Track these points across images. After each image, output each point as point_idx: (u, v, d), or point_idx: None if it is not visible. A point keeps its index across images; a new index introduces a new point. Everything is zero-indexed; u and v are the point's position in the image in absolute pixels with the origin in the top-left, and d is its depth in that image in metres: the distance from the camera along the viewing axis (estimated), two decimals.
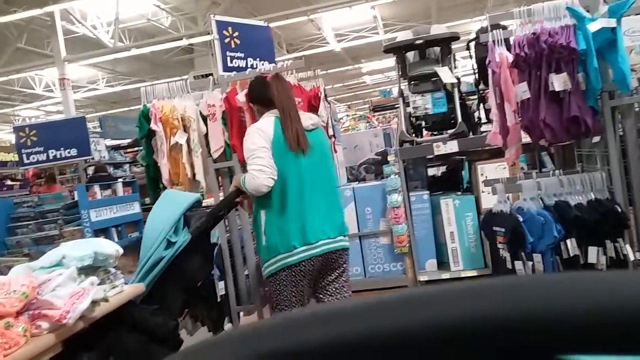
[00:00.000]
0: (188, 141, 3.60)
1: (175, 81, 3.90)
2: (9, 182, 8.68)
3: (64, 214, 6.78)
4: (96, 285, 1.92)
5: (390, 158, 4.56)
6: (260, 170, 2.51)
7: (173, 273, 2.46)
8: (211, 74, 4.07)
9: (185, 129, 3.63)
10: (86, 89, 17.52)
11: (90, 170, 8.32)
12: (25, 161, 7.37)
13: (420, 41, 4.31)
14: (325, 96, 3.83)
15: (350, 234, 4.45)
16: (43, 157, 7.37)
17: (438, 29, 4.42)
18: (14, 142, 7.93)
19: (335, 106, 7.73)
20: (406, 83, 4.46)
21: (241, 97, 3.52)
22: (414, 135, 4.28)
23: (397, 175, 4.19)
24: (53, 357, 1.71)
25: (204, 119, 3.71)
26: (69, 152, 7.41)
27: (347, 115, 12.00)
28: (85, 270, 1.98)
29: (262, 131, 2.62)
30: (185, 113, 3.63)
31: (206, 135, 3.71)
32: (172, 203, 2.61)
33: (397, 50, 4.50)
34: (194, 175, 3.61)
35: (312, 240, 2.59)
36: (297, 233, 2.57)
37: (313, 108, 3.73)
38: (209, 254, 2.94)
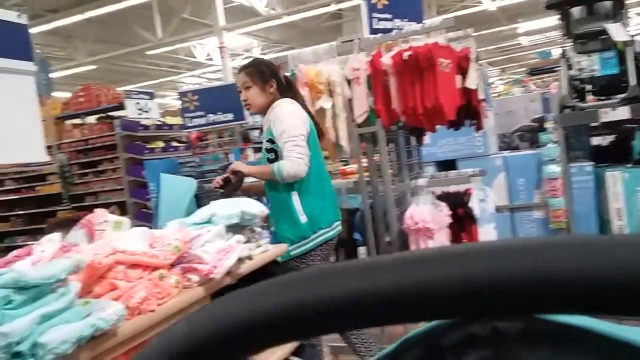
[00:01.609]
0: (332, 106, 3.60)
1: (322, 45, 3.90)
2: (174, 144, 9.46)
3: (221, 174, 7.26)
4: (242, 243, 2.00)
5: (548, 125, 4.20)
6: (301, 158, 2.59)
7: None
8: (358, 38, 4.00)
9: (330, 94, 3.63)
10: (242, 57, 18.50)
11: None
12: (188, 124, 7.97)
13: None
14: (477, 57, 3.59)
15: (500, 206, 4.20)
16: (203, 121, 7.90)
17: None
18: (179, 107, 8.63)
19: (487, 70, 7.26)
20: (570, 42, 4.04)
21: (387, 59, 3.42)
22: (577, 100, 3.87)
23: (555, 144, 3.84)
24: None
25: (349, 83, 3.68)
26: (225, 117, 7.86)
27: (501, 80, 11.28)
28: (233, 229, 2.07)
29: (302, 118, 2.70)
30: (331, 77, 3.62)
31: (350, 99, 3.67)
32: (179, 188, 2.68)
33: (561, 5, 4.07)
34: (337, 140, 3.61)
35: (340, 216, 2.87)
36: (333, 209, 2.81)
37: (462, 70, 3.52)
38: None
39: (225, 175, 2.72)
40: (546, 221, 4.03)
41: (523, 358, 0.32)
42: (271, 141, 2.69)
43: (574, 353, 0.31)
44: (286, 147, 2.58)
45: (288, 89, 2.84)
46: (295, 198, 2.67)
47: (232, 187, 2.69)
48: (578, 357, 0.31)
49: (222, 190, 2.68)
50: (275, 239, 2.69)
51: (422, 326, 0.36)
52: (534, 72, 9.78)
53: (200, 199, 2.73)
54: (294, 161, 2.56)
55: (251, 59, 3.01)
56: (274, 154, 2.69)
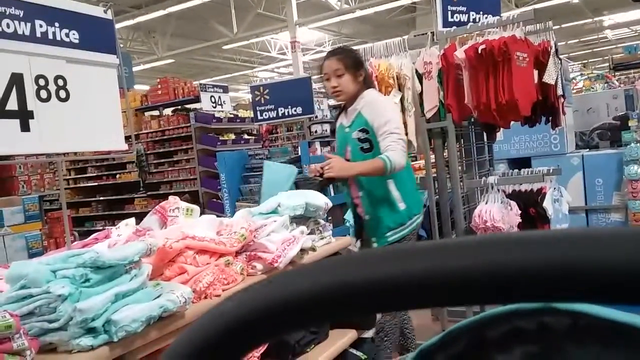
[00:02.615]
0: (402, 100, 3.56)
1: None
2: (246, 136, 9.68)
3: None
4: (306, 235, 2.02)
5: (632, 123, 3.98)
6: (405, 151, 2.62)
7: None
8: (432, 32, 3.93)
9: (400, 88, 3.59)
10: (314, 52, 18.64)
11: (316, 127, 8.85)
12: (259, 117, 8.10)
13: None
14: (557, 51, 3.44)
15: (574, 207, 4.02)
16: (273, 114, 8.01)
17: None
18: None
19: (568, 64, 6.95)
20: None
21: (460, 53, 3.34)
22: None
23: (638, 144, 3.62)
24: None
25: (420, 77, 3.63)
26: (295, 110, 7.93)
27: (582, 75, 10.73)
28: (297, 220, 2.10)
29: (397, 111, 2.85)
30: (401, 71, 3.58)
31: (420, 94, 3.62)
32: (281, 175, 2.67)
33: None
34: (406, 134, 3.57)
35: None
36: (421, 196, 2.94)
37: (541, 65, 3.38)
38: None
39: (324, 163, 2.65)
40: (625, 224, 3.81)
41: (571, 355, 0.31)
42: (365, 131, 2.67)
43: (625, 351, 0.30)
44: (391, 138, 2.56)
45: (369, 79, 2.85)
46: (392, 187, 2.69)
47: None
48: (629, 356, 0.30)
49: (320, 179, 2.67)
50: (369, 228, 2.72)
51: (467, 319, 0.35)
52: (619, 67, 9.22)
53: (300, 186, 2.75)
54: (402, 153, 2.56)
55: (338, 47, 2.97)
56: (369, 144, 2.67)
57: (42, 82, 2.30)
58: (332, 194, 6.62)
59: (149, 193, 9.15)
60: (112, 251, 1.40)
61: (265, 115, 8.03)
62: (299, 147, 7.28)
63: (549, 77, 3.37)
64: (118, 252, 1.36)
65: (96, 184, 9.94)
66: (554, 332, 0.32)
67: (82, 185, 10.17)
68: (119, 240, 1.76)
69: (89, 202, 10.16)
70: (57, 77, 2.36)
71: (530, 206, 3.25)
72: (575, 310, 0.32)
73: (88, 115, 2.42)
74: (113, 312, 1.29)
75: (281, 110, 7.92)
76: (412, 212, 2.72)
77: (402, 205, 2.69)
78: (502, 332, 0.34)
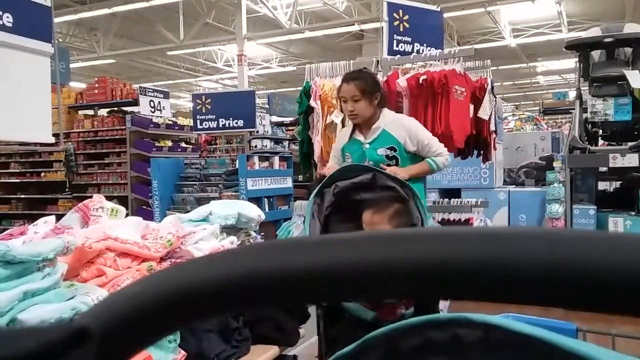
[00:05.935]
0: (343, 121, 3.60)
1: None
2: (183, 145, 9.48)
3: (225, 179, 7.27)
4: (235, 245, 1.98)
5: (556, 165, 4.19)
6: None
7: None
8: (377, 60, 4.02)
9: (342, 109, 3.63)
10: (260, 67, 18.63)
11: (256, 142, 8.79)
12: (199, 127, 7.98)
13: (610, 39, 3.87)
14: (492, 89, 3.59)
15: None
16: (214, 124, 7.91)
17: (632, 28, 3.94)
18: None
19: (502, 104, 7.29)
20: (586, 85, 4.06)
21: (402, 81, 3.43)
22: (587, 143, 3.87)
23: (561, 184, 3.82)
24: None
25: None
26: (236, 123, 7.86)
27: (513, 115, 11.29)
28: (228, 230, 2.05)
29: None
30: None
31: None
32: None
33: (581, 47, 4.10)
34: None
35: None
36: None
37: (477, 100, 3.52)
38: None
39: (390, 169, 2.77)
40: None
41: None
42: (393, 149, 2.73)
43: None
44: (435, 145, 2.80)
45: (384, 99, 2.89)
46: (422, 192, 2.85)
47: None
48: None
49: None
50: None
51: (382, 328, 0.35)
52: (548, 111, 9.77)
53: None
54: (446, 156, 2.83)
55: (357, 71, 3.02)
56: (395, 162, 2.74)
57: None
58: (267, 209, 6.58)
59: (74, 194, 8.75)
60: (25, 246, 1.32)
61: (206, 124, 7.91)
62: (237, 160, 7.23)
63: (484, 112, 3.51)
64: (31, 248, 1.28)
65: (19, 180, 9.42)
66: (466, 344, 0.32)
67: (3, 180, 9.60)
68: (35, 238, 1.66)
69: (9, 200, 9.60)
70: None
71: None
72: (488, 322, 0.32)
73: (14, 103, 2.28)
74: (20, 311, 1.21)
75: (222, 121, 7.83)
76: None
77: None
78: (416, 344, 0.34)
